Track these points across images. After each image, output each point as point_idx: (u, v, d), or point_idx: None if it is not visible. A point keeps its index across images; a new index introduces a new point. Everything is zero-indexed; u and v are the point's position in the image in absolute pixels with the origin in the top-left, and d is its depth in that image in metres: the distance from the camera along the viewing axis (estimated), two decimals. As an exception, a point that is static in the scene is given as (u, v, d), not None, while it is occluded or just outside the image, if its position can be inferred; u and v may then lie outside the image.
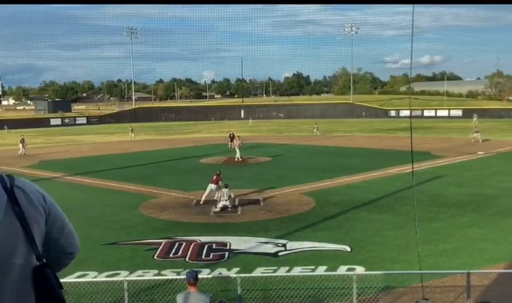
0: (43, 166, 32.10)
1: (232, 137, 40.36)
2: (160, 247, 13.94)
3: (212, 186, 19.28)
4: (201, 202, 19.17)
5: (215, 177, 19.70)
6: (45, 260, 1.85)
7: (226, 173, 22.74)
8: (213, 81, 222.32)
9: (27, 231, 1.80)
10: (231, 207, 18.37)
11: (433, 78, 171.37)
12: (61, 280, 1.91)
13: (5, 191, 1.80)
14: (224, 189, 18.35)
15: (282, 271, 11.77)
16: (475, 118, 62.62)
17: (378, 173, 26.27)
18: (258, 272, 11.67)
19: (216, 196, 18.68)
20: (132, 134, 52.91)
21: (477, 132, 40.96)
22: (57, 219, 1.92)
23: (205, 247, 13.87)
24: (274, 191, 21.66)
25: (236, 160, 32.20)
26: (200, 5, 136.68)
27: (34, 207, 1.85)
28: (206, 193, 19.21)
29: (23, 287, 1.82)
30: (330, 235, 14.83)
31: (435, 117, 78.38)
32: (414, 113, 79.11)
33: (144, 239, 14.89)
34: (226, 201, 18.23)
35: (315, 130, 53.07)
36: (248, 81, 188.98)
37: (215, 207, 18.32)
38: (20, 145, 38.66)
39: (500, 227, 15.38)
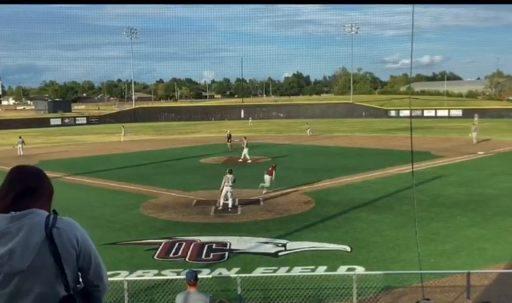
0: (43, 166, 31.88)
1: (229, 137, 40.13)
2: (160, 247, 13.95)
3: (267, 177, 21.16)
4: (264, 192, 20.93)
5: (270, 168, 21.72)
6: (72, 291, 2.30)
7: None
8: (213, 81, 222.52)
9: (59, 266, 2.22)
10: (231, 204, 18.45)
11: (433, 78, 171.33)
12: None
13: (45, 229, 2.22)
14: (228, 175, 18.59)
15: (282, 271, 11.77)
16: (475, 118, 62.69)
17: (378, 173, 26.26)
18: (258, 272, 11.67)
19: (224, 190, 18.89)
20: (123, 135, 51.18)
21: (475, 130, 40.69)
22: (86, 255, 2.35)
23: (205, 247, 13.87)
24: (274, 191, 21.65)
25: (242, 160, 31.99)
26: (200, 5, 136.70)
27: (66, 248, 2.26)
28: (267, 184, 21.11)
29: None
30: (330, 235, 14.83)
31: (435, 117, 78.33)
32: (414, 113, 79.04)
33: (144, 239, 14.90)
34: (230, 186, 18.44)
35: (308, 130, 52.46)
36: (248, 81, 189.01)
37: (219, 206, 18.43)
38: (19, 145, 38.47)
39: (500, 227, 15.38)
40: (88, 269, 2.36)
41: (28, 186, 2.33)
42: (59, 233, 2.24)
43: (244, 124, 72.06)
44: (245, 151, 32.64)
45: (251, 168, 30.01)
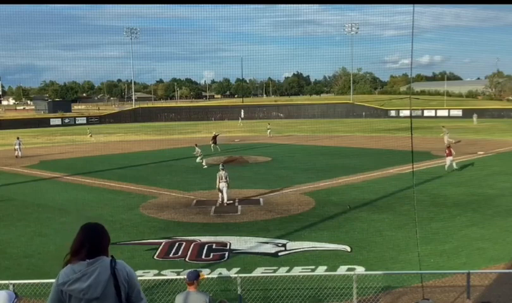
0: (43, 166, 32.09)
1: (214, 138, 39.62)
2: (160, 247, 13.95)
3: (448, 158, 24.93)
4: (453, 167, 24.59)
5: (447, 151, 25.19)
6: None
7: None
8: (213, 81, 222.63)
9: (118, 293, 3.50)
10: (228, 202, 18.67)
11: (433, 78, 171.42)
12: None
13: (110, 270, 3.47)
14: (221, 172, 18.99)
15: (282, 271, 11.77)
16: (474, 118, 62.67)
17: (378, 173, 26.25)
18: (258, 272, 11.67)
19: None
20: (91, 137, 51.58)
21: (447, 134, 38.21)
22: (132, 284, 3.60)
23: (205, 247, 13.87)
24: (274, 191, 21.65)
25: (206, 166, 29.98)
26: (200, 5, 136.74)
27: (122, 281, 3.52)
28: (448, 164, 24.86)
29: None
30: (330, 235, 14.82)
31: (435, 117, 78.36)
32: (415, 113, 79.10)
33: (144, 239, 14.90)
34: (225, 182, 18.78)
35: (268, 131, 52.04)
36: (248, 81, 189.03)
37: (224, 204, 18.83)
38: (16, 146, 37.91)
39: (500, 227, 15.38)
40: (132, 293, 3.60)
41: (96, 242, 3.57)
42: (117, 273, 3.50)
43: (244, 124, 72.01)
44: (198, 159, 31.01)
45: (250, 167, 30.03)
